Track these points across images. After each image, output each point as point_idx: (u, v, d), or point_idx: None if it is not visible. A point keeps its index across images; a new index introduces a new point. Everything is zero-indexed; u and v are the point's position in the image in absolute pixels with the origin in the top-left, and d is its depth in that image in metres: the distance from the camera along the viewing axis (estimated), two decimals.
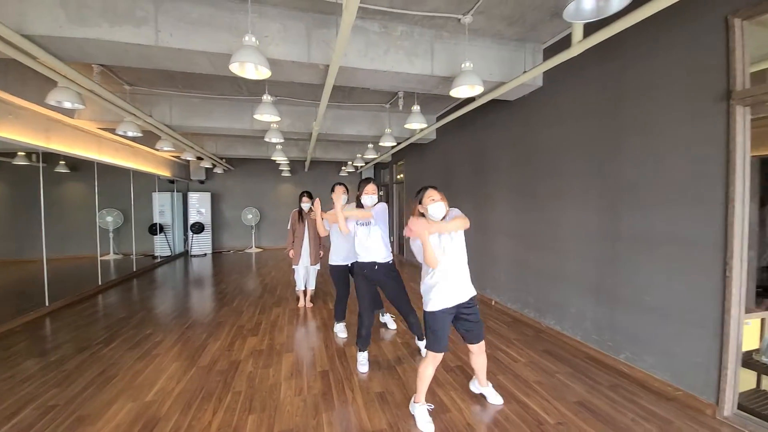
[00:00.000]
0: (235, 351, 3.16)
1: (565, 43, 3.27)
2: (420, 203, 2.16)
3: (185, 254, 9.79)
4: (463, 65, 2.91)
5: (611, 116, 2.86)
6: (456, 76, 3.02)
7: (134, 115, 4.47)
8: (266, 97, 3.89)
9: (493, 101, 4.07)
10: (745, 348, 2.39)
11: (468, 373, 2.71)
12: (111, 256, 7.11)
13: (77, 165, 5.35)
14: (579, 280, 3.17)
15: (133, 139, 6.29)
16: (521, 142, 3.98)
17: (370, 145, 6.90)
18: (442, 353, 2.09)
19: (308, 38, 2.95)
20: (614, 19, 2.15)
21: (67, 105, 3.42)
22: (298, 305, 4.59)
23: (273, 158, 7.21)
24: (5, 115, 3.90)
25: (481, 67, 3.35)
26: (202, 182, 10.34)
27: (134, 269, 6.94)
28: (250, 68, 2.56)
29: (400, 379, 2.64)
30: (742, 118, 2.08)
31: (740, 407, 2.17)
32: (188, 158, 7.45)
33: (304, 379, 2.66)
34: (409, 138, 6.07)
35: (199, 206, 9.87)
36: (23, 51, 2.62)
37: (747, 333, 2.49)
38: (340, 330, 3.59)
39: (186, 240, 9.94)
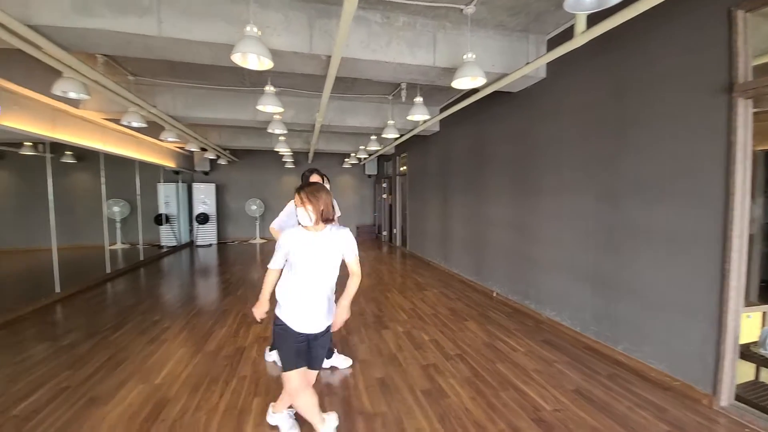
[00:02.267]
0: (240, 338, 3.24)
1: (570, 33, 3.24)
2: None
3: (191, 244, 9.91)
4: (465, 56, 2.90)
5: (613, 108, 2.85)
6: (458, 67, 3.01)
7: (138, 105, 4.50)
8: (269, 88, 3.90)
9: (497, 93, 4.04)
10: (745, 340, 2.42)
11: (468, 362, 2.76)
12: (118, 246, 7.25)
13: (84, 155, 5.40)
14: (578, 272, 3.19)
15: (137, 129, 6.34)
16: (523, 133, 3.97)
17: (373, 137, 6.88)
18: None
19: (310, 29, 2.94)
20: (617, 9, 2.13)
21: (72, 95, 3.46)
22: None
23: (276, 149, 7.22)
24: (10, 105, 3.94)
25: (484, 58, 3.33)
26: (206, 173, 10.40)
27: (141, 258, 7.06)
28: (252, 59, 2.58)
29: (400, 366, 2.70)
30: (744, 111, 2.07)
31: (738, 398, 2.20)
32: (192, 149, 7.49)
33: None
34: (412, 130, 6.05)
35: (204, 197, 9.94)
36: (28, 41, 2.65)
37: (747, 325, 2.51)
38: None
39: (191, 230, 10.05)
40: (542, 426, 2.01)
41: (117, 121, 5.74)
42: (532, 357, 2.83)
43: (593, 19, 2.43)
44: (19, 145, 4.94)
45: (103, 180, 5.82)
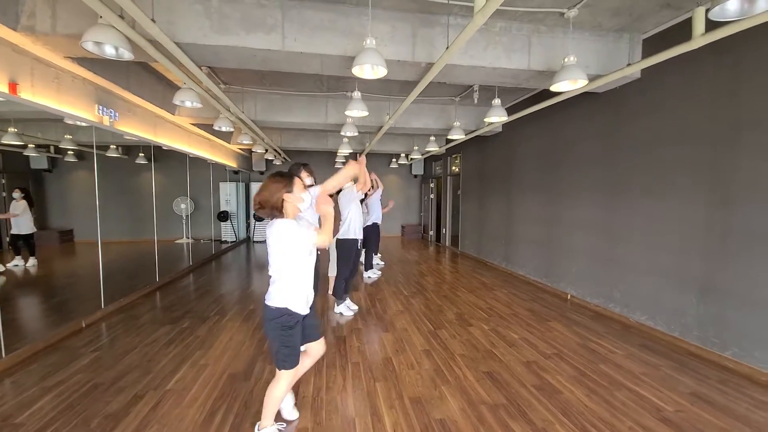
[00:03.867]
0: (337, 328, 3.48)
1: (671, 33, 3.20)
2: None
3: (247, 240, 10.49)
4: (565, 59, 2.94)
5: (725, 108, 2.78)
6: (551, 69, 3.07)
7: (229, 110, 4.89)
8: (356, 94, 4.13)
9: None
10: None
11: (569, 362, 2.81)
12: (184, 240, 7.83)
13: (156, 156, 5.60)
14: (679, 276, 3.13)
15: (212, 133, 6.84)
16: (609, 135, 3.92)
17: (432, 138, 6.99)
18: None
19: (413, 38, 3.10)
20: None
21: (188, 104, 3.84)
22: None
23: (339, 151, 7.52)
24: (126, 113, 4.42)
25: (579, 59, 3.33)
26: (262, 173, 10.96)
27: (212, 252, 7.60)
28: (367, 69, 2.77)
29: (501, 362, 2.79)
30: None
31: None
32: (258, 150, 7.96)
33: (410, 355, 2.89)
34: (474, 131, 6.09)
35: None
36: (169, 56, 3.00)
37: None
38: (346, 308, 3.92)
39: (248, 227, 10.64)
40: (670, 425, 2.04)
41: (200, 126, 6.26)
42: (634, 360, 2.83)
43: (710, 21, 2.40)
44: (106, 148, 5.40)
45: (188, 179, 6.35)
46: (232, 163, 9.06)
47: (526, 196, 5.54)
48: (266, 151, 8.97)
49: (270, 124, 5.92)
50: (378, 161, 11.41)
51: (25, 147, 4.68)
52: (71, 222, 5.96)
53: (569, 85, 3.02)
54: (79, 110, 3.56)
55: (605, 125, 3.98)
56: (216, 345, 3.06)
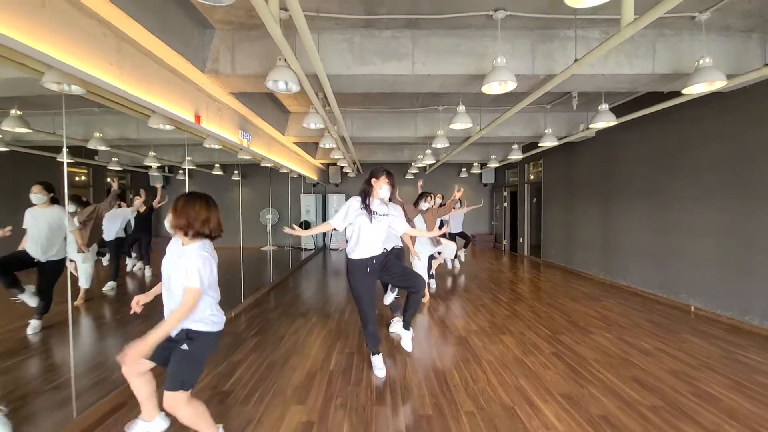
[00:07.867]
0: (458, 328, 3.67)
1: None
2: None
3: (323, 248, 11.21)
4: (701, 61, 2.90)
5: None
6: (677, 72, 3.05)
7: (336, 129, 5.43)
8: (461, 108, 4.38)
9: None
10: None
11: (720, 372, 2.69)
12: (268, 248, 8.60)
13: (246, 173, 6.22)
14: None
15: (302, 149, 7.57)
16: (738, 136, 3.70)
17: (515, 146, 6.99)
18: None
19: (533, 53, 3.28)
20: None
21: (312, 126, 4.39)
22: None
23: (414, 163, 7.84)
24: (254, 136, 5.15)
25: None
26: (337, 185, 11.71)
27: (302, 258, 8.29)
28: (494, 85, 3.00)
29: (643, 370, 2.76)
30: None
31: None
32: (342, 164, 8.58)
33: (540, 357, 2.98)
34: (565, 137, 6.01)
35: (338, 206, 11.19)
36: (315, 86, 3.51)
37: None
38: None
39: (324, 235, 11.38)
40: None
41: (298, 144, 6.98)
42: None
43: None
44: (211, 166, 6.14)
45: (289, 194, 7.07)
46: (313, 176, 9.85)
47: (630, 202, 5.31)
48: (344, 164, 9.62)
49: (364, 140, 6.44)
50: (447, 171, 11.55)
51: (149, 168, 5.63)
52: None
53: (705, 87, 2.96)
54: (231, 135, 4.27)
55: (734, 126, 3.76)
56: (351, 335, 3.43)
